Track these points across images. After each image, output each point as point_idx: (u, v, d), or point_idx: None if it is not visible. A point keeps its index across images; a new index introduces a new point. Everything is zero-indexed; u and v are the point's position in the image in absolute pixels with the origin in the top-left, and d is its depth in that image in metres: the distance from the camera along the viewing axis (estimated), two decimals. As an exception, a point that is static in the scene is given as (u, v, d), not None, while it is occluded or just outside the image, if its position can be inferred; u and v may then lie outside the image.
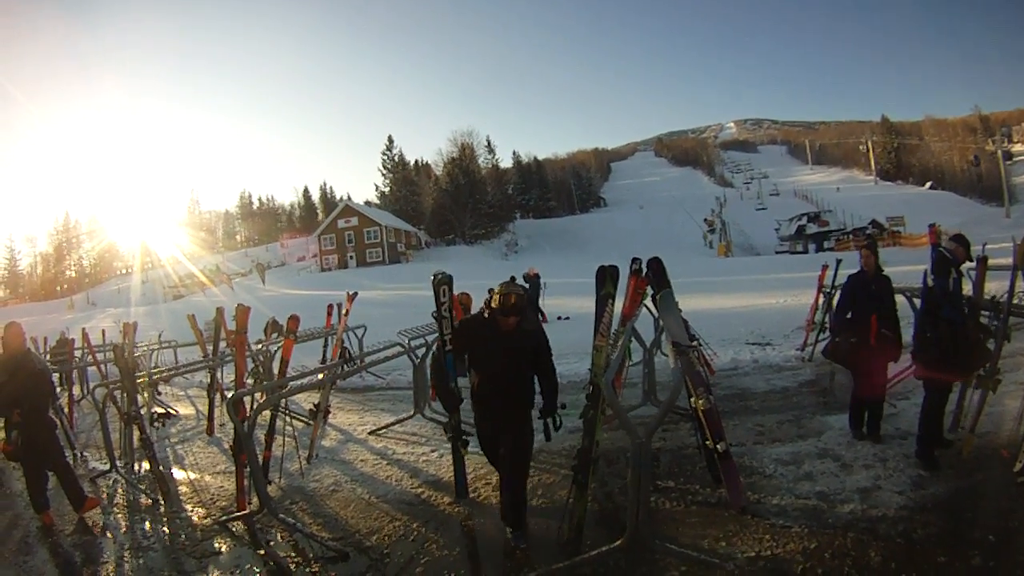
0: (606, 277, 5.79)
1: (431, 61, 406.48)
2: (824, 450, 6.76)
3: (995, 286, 7.23)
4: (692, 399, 5.41)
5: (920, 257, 12.59)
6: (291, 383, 7.16)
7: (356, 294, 11.84)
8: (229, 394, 9.87)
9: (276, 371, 7.57)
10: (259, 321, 11.43)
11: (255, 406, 5.99)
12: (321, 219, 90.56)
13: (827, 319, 12.13)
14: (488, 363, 5.26)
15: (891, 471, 6.00)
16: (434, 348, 7.65)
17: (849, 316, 7.02)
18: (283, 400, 7.26)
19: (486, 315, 5.26)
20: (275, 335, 11.00)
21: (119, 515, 6.83)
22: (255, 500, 5.90)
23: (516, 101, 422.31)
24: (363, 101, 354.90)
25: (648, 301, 7.14)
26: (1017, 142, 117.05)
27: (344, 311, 10.69)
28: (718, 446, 5.42)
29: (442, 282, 6.08)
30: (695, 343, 6.68)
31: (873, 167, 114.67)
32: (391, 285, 39.39)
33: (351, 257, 74.92)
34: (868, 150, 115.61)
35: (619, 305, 7.05)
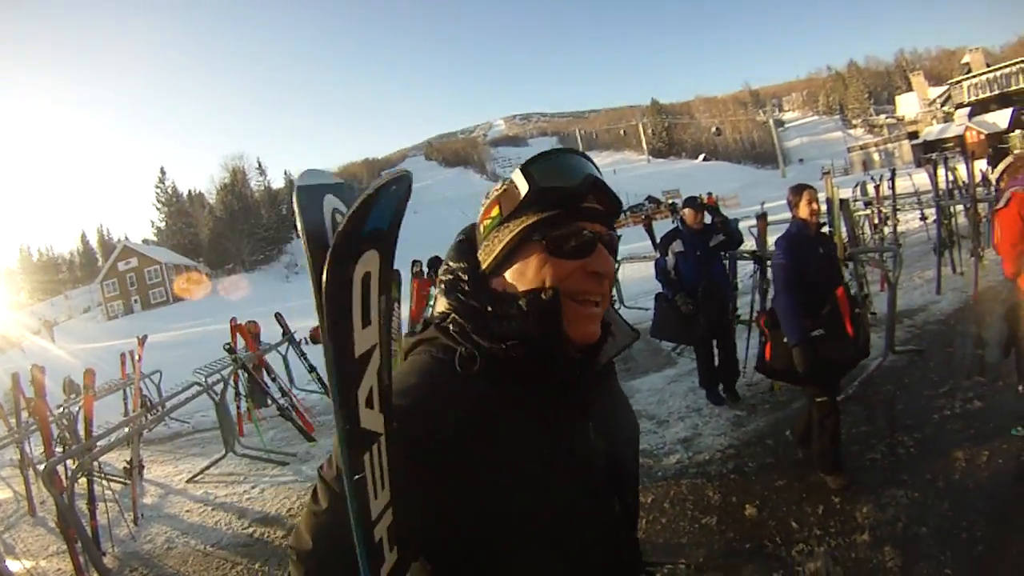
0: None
1: (198, 83, 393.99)
2: (637, 411, 6.94)
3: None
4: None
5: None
6: (100, 442, 6.85)
7: (146, 337, 11.31)
8: (41, 467, 9.28)
9: (82, 433, 7.20)
10: (55, 381, 10.77)
11: (70, 474, 5.68)
12: (101, 264, 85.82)
13: (616, 291, 12.63)
14: (556, 541, 1.16)
15: (707, 418, 6.47)
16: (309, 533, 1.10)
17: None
18: (96, 462, 6.89)
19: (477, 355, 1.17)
20: (73, 395, 10.42)
21: (-36, 623, 6.34)
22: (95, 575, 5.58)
23: (284, 119, 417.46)
24: (131, 131, 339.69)
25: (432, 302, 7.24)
26: (788, 111, 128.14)
27: (137, 357, 10.21)
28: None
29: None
30: None
31: (645, 147, 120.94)
32: (179, 324, 37.97)
33: (136, 301, 72.38)
34: (639, 131, 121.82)
35: (405, 309, 7.17)
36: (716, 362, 6.92)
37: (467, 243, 1.32)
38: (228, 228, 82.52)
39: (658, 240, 7.26)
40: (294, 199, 0.95)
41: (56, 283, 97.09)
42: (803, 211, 4.79)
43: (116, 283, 73.22)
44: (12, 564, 7.14)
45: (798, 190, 4.87)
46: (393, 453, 1.00)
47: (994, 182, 6.16)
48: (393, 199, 0.95)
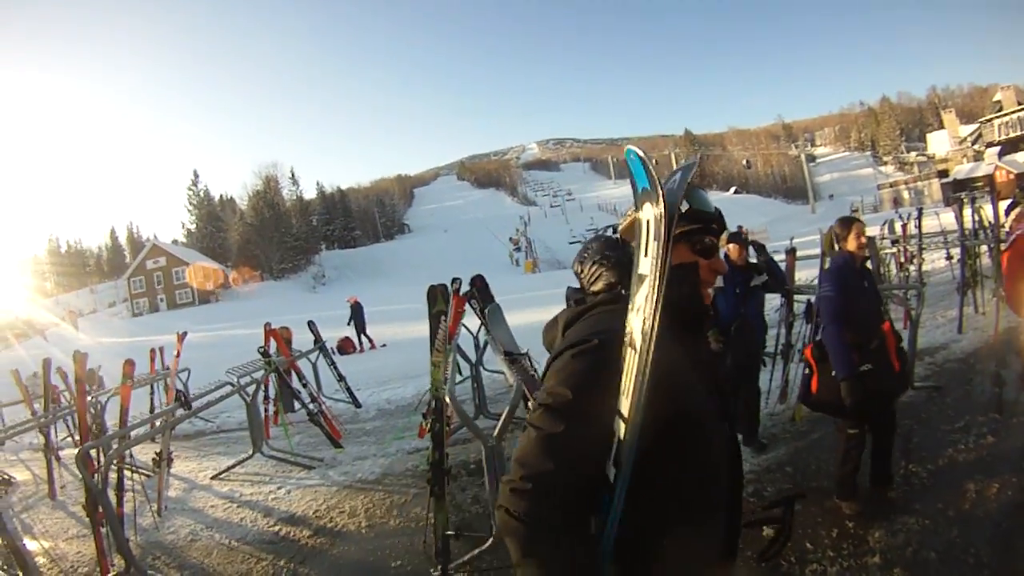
0: (437, 295, 5.92)
1: (236, 90, 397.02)
2: None
3: (806, 274, 8.01)
4: (530, 403, 5.62)
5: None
6: (136, 430, 6.98)
7: (186, 334, 11.34)
8: (63, 453, 9.33)
9: (107, 422, 7.35)
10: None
11: (105, 458, 5.81)
12: (129, 261, 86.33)
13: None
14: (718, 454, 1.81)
15: (728, 445, 6.46)
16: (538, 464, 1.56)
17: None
18: (129, 452, 7.04)
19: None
20: (95, 387, 10.61)
21: (-19, 599, 6.39)
22: (117, 560, 5.66)
23: (319, 130, 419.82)
24: (168, 133, 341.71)
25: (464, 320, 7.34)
26: (820, 146, 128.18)
27: (175, 352, 10.33)
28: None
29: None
30: (525, 352, 6.99)
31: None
32: (205, 326, 38.06)
33: (161, 299, 72.57)
34: (671, 161, 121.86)
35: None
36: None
37: (618, 239, 2.06)
38: (258, 235, 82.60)
39: None
40: (646, 165, 1.58)
41: (82, 275, 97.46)
42: (851, 244, 4.77)
43: (143, 280, 73.59)
44: (31, 544, 7.11)
45: (847, 223, 4.87)
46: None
47: (1007, 227, 6.27)
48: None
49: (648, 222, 1.59)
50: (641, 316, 1.53)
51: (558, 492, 1.51)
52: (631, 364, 1.54)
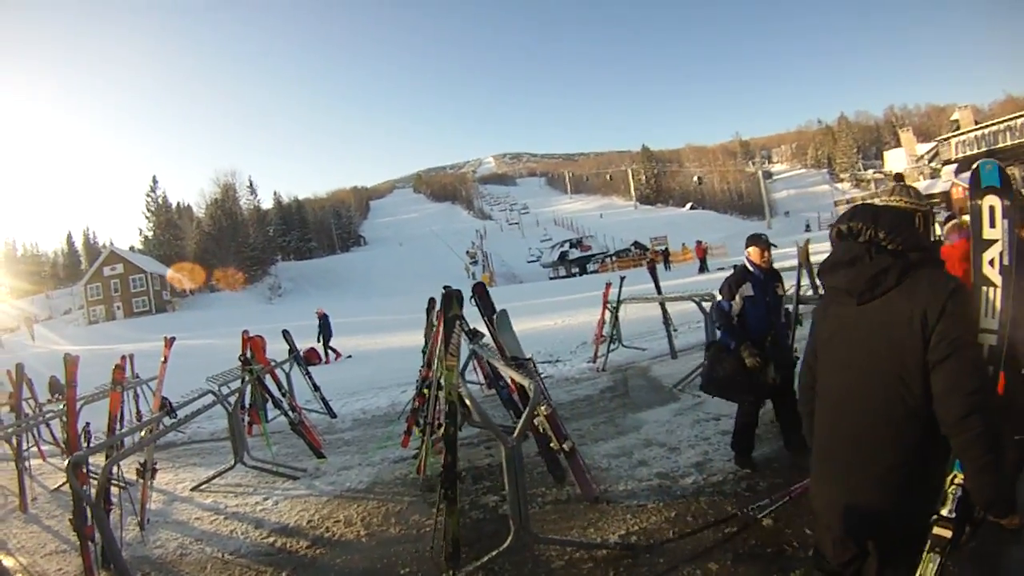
0: (452, 300, 5.86)
1: (197, 96, 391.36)
2: (648, 440, 7.37)
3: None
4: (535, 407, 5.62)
5: (689, 270, 13.92)
6: (127, 438, 6.78)
7: (174, 339, 10.71)
8: (34, 463, 9.04)
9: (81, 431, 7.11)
10: (35, 378, 10.77)
11: (103, 467, 5.59)
12: (85, 267, 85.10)
13: (616, 331, 13.10)
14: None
15: (716, 446, 6.69)
16: None
17: None
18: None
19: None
20: (57, 395, 10.40)
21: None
22: (104, 577, 5.37)
23: (279, 138, 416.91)
24: (124, 138, 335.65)
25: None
26: (776, 162, 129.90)
27: (163, 358, 9.96)
28: (564, 445, 5.80)
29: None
30: (530, 358, 6.98)
31: (633, 193, 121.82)
32: (163, 336, 37.54)
33: (118, 307, 71.06)
34: (628, 177, 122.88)
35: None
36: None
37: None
38: (215, 244, 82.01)
39: (724, 283, 6.34)
40: (1003, 172, 2.77)
41: (38, 281, 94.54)
42: None
43: (100, 287, 72.05)
44: (7, 561, 6.82)
45: None
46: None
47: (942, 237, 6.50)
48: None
49: (993, 207, 2.72)
50: (997, 263, 2.68)
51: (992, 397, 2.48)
52: (992, 295, 2.69)
